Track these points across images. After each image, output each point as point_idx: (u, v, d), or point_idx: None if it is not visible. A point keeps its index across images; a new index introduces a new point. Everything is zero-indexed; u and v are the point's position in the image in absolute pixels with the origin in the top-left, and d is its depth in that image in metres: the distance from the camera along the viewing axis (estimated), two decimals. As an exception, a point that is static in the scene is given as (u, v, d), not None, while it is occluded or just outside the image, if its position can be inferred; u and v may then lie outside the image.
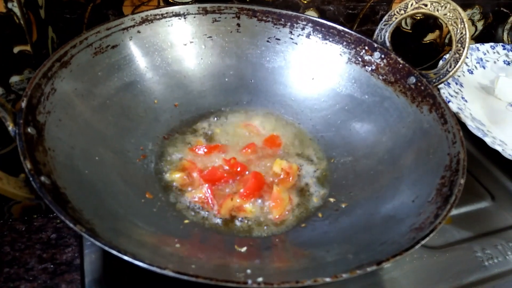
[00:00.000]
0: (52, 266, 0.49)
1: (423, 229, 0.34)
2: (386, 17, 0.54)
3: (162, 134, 0.51)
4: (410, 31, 0.76)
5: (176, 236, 0.38)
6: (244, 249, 0.38)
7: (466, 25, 0.48)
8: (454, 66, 0.48)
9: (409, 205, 0.40)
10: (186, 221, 0.42)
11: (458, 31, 0.49)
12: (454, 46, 0.49)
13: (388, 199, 0.42)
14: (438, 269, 0.46)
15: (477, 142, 0.59)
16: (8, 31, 0.46)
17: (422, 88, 0.49)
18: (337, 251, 0.37)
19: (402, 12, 0.53)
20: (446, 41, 0.80)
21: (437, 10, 0.50)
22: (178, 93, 0.54)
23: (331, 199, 0.46)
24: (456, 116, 0.46)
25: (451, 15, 0.49)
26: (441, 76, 0.49)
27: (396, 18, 0.54)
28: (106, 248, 0.28)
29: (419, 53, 0.80)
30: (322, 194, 0.47)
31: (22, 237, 0.52)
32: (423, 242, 0.32)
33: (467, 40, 0.48)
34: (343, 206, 0.45)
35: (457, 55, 0.48)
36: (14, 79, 0.49)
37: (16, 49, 0.47)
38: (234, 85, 0.57)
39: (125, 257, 0.28)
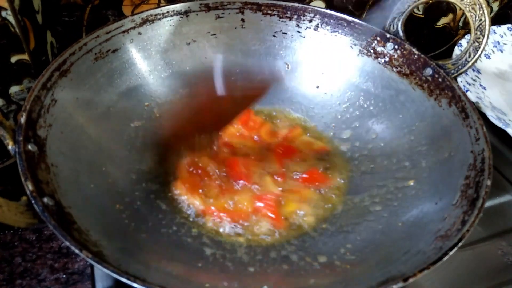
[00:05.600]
0: (64, 276, 0.48)
1: (449, 237, 0.32)
2: (398, 4, 0.51)
3: (170, 139, 0.49)
4: (422, 16, 0.73)
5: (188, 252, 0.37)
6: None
7: (486, 11, 0.45)
8: (474, 56, 0.46)
9: (432, 208, 0.38)
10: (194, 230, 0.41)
11: (477, 18, 0.46)
12: (473, 34, 0.46)
13: (409, 201, 0.40)
14: (462, 269, 0.44)
15: (498, 132, 0.57)
16: (4, 41, 0.44)
17: (440, 80, 0.46)
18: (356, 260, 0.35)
19: (416, -1, 0.50)
20: (460, 24, 0.76)
21: (453, -5, 0.47)
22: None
23: (348, 202, 0.44)
24: (477, 109, 0.43)
25: (468, 0, 0.46)
26: (460, 67, 0.47)
27: (409, 5, 0.51)
28: (115, 275, 0.27)
29: (432, 38, 0.77)
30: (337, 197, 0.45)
31: (33, 247, 0.51)
32: (451, 253, 0.30)
33: (487, 27, 0.45)
34: (361, 208, 0.43)
35: (477, 44, 0.46)
36: (14, 89, 0.48)
37: (13, 59, 0.46)
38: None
39: (135, 285, 0.27)
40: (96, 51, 0.46)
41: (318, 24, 0.54)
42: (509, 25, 0.74)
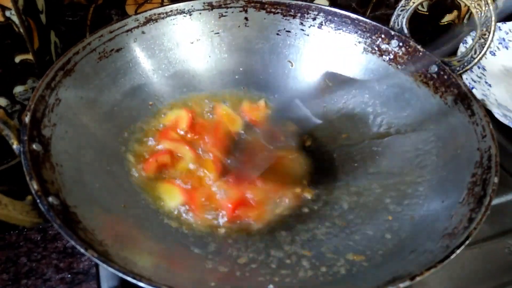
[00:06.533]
0: (69, 275, 0.48)
1: (456, 235, 0.32)
2: (403, 1, 0.51)
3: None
4: (427, 13, 0.72)
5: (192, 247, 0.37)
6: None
7: (491, 7, 0.45)
8: (480, 52, 0.45)
9: (439, 206, 0.37)
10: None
11: (483, 14, 0.45)
12: (478, 30, 0.46)
13: (415, 199, 0.40)
14: (468, 268, 0.44)
15: (504, 130, 0.56)
16: (8, 41, 0.44)
17: (445, 77, 0.46)
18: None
19: (420, -5, 0.50)
20: (465, 21, 0.76)
21: (459, -8, 0.47)
22: (188, 94, 0.52)
23: (353, 199, 0.44)
24: (483, 106, 0.43)
25: (474, -4, 0.46)
26: (466, 64, 0.46)
27: (414, 2, 0.50)
28: (121, 275, 0.27)
29: (436, 36, 0.76)
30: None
31: (38, 247, 0.51)
32: (458, 251, 0.30)
33: (493, 23, 0.44)
34: (366, 207, 0.43)
35: (482, 40, 0.45)
36: (18, 89, 0.48)
37: (17, 59, 0.46)
38: (245, 82, 0.55)
39: (141, 284, 0.27)
40: (100, 50, 0.46)
41: (322, 22, 0.54)
42: (514, 22, 0.73)
